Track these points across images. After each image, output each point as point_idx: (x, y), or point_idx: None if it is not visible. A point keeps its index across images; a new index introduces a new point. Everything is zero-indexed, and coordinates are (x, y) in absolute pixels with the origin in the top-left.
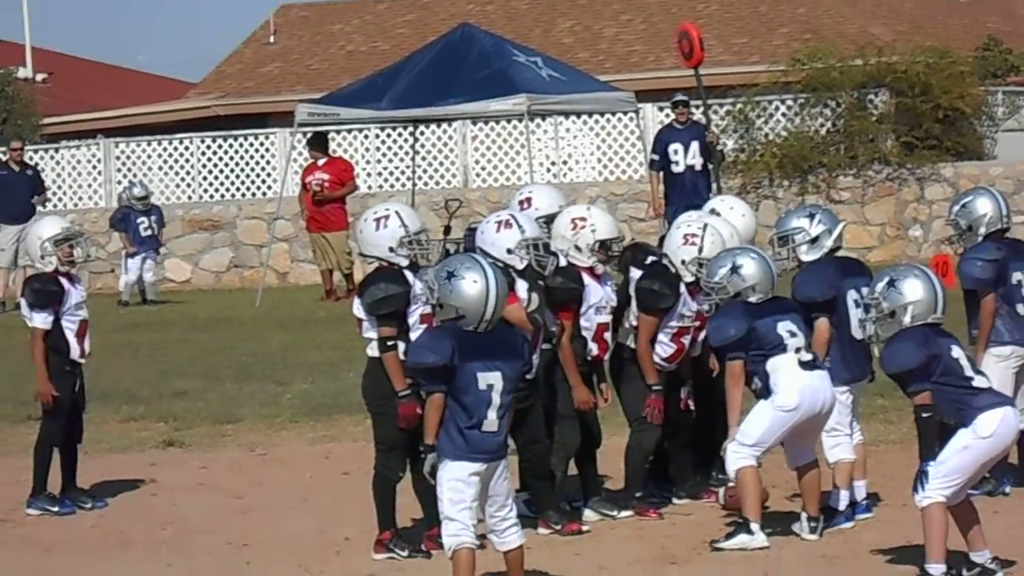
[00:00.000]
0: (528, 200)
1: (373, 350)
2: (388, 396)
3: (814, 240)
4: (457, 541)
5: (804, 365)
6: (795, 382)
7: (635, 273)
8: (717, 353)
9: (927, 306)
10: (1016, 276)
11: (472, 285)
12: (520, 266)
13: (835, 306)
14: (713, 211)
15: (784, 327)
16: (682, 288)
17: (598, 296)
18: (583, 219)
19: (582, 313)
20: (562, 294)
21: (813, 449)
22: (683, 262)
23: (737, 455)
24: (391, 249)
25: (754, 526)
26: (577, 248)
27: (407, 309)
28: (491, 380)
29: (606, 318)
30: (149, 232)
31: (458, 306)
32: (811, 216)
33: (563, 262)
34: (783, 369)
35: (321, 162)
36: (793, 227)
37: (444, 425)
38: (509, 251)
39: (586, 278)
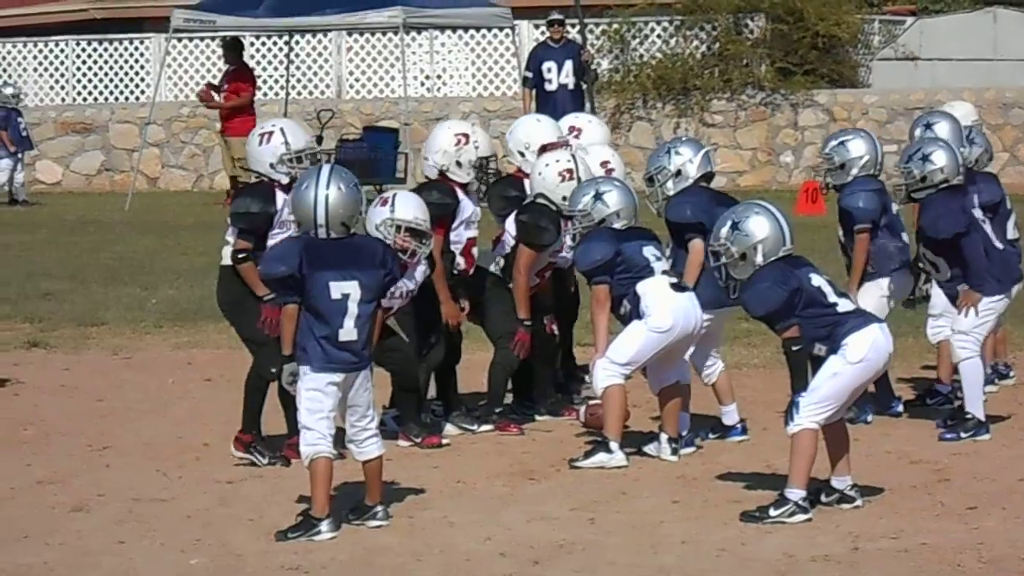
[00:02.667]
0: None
1: (226, 258)
2: (240, 299)
3: (677, 173)
4: (314, 450)
5: (674, 287)
6: (668, 303)
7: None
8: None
9: (775, 241)
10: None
11: (304, 191)
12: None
13: (707, 230)
14: (572, 128)
15: (649, 251)
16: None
17: (469, 211)
18: (467, 135)
19: (453, 228)
20: (436, 209)
21: (676, 371)
22: (563, 198)
23: (607, 372)
24: (271, 165)
25: (613, 445)
26: (458, 164)
27: (267, 229)
28: (346, 289)
29: (474, 232)
30: (26, 132)
31: (296, 215)
32: (669, 151)
33: (433, 174)
34: (654, 291)
35: (228, 69)
36: (655, 167)
37: (302, 335)
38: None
39: (459, 194)
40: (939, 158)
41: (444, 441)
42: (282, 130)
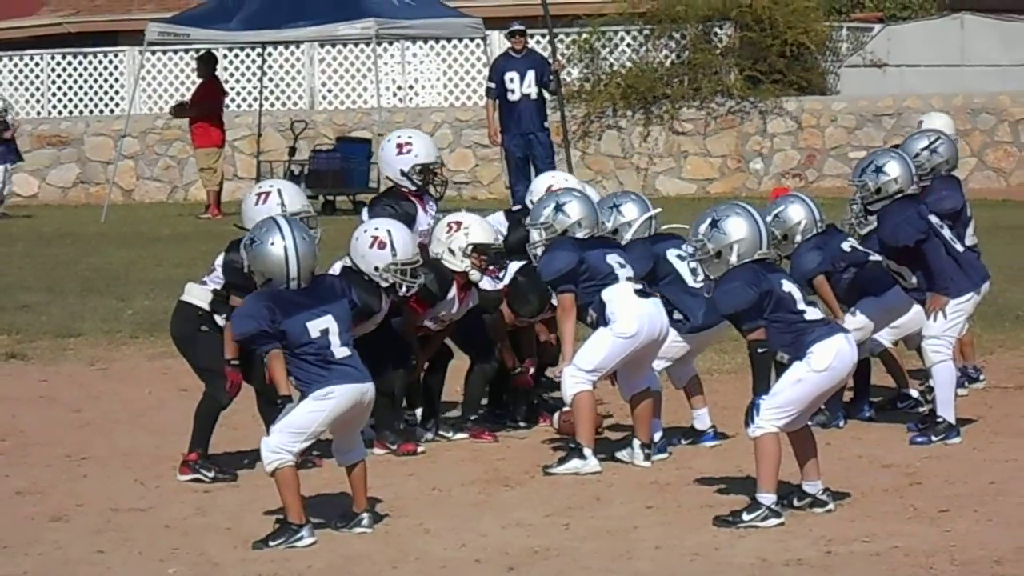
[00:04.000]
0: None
1: (189, 295)
2: (191, 334)
3: (614, 232)
4: (280, 459)
5: (639, 293)
6: (633, 309)
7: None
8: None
9: (752, 243)
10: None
11: (271, 248)
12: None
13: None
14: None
15: (613, 259)
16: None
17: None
18: (458, 223)
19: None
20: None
21: (646, 377)
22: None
23: (574, 380)
24: None
25: (587, 451)
26: (451, 251)
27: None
28: (322, 325)
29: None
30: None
31: (263, 270)
32: (613, 208)
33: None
34: (619, 297)
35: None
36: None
37: (298, 372)
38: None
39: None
40: (892, 168)
41: (420, 449)
42: (279, 191)
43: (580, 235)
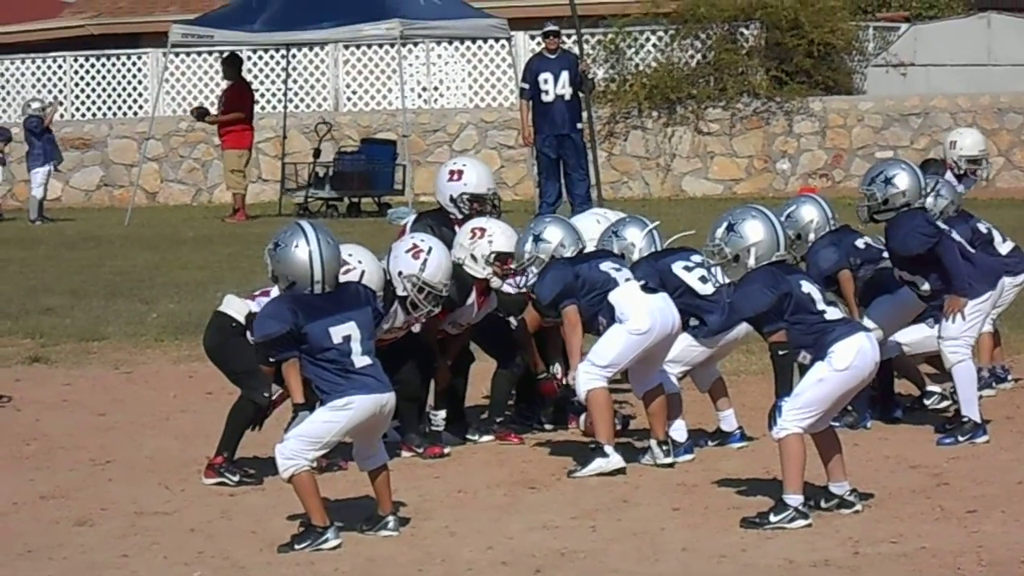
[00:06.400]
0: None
1: (228, 307)
2: (223, 343)
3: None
4: (294, 465)
5: (645, 289)
6: (643, 305)
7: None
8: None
9: (769, 246)
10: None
11: (296, 251)
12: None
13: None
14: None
15: (607, 266)
16: None
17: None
18: (482, 230)
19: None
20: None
21: (657, 374)
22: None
23: (588, 376)
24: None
25: (608, 448)
26: (472, 258)
27: None
28: (345, 332)
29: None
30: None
31: (287, 274)
32: (613, 235)
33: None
34: (627, 297)
35: (227, 85)
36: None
37: (318, 379)
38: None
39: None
40: (901, 181)
41: (446, 451)
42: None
43: (567, 254)
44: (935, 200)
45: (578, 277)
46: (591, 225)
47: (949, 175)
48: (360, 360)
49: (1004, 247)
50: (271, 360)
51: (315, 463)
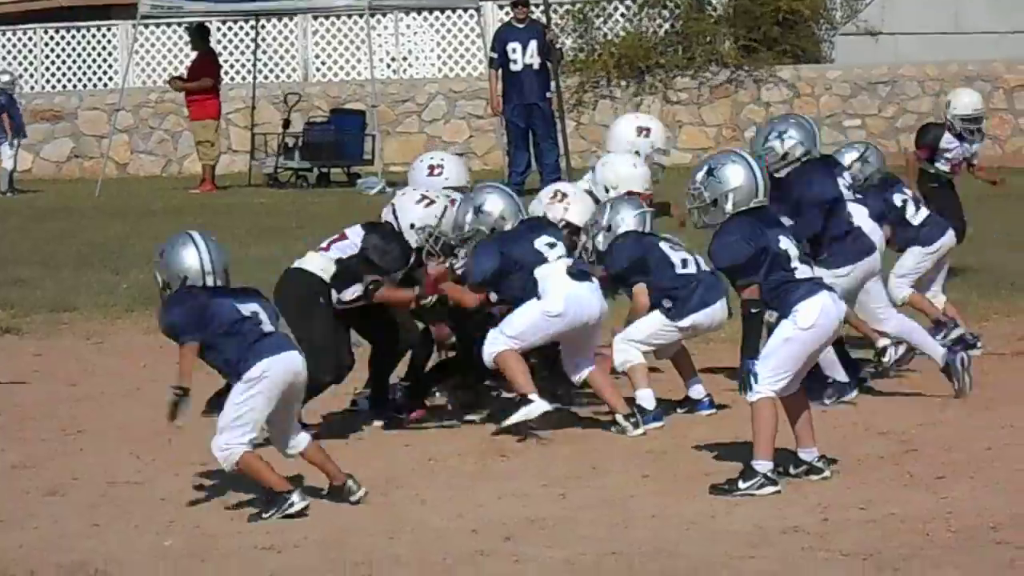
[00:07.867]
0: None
1: (307, 263)
2: (308, 304)
3: (608, 228)
4: (235, 453)
5: (574, 275)
6: (562, 289)
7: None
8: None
9: (748, 192)
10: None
11: (181, 248)
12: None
13: (647, 267)
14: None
15: (541, 243)
16: None
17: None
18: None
19: None
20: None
21: (589, 358)
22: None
23: (494, 341)
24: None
25: (532, 395)
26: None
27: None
28: (252, 309)
29: None
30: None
31: (177, 272)
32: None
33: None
34: (551, 276)
35: (194, 54)
36: (590, 221)
37: (230, 351)
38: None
39: None
40: (795, 133)
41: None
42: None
43: (507, 228)
44: (861, 166)
45: (510, 256)
46: (627, 169)
47: (948, 136)
48: (268, 328)
49: (917, 218)
50: (179, 339)
51: (251, 445)
